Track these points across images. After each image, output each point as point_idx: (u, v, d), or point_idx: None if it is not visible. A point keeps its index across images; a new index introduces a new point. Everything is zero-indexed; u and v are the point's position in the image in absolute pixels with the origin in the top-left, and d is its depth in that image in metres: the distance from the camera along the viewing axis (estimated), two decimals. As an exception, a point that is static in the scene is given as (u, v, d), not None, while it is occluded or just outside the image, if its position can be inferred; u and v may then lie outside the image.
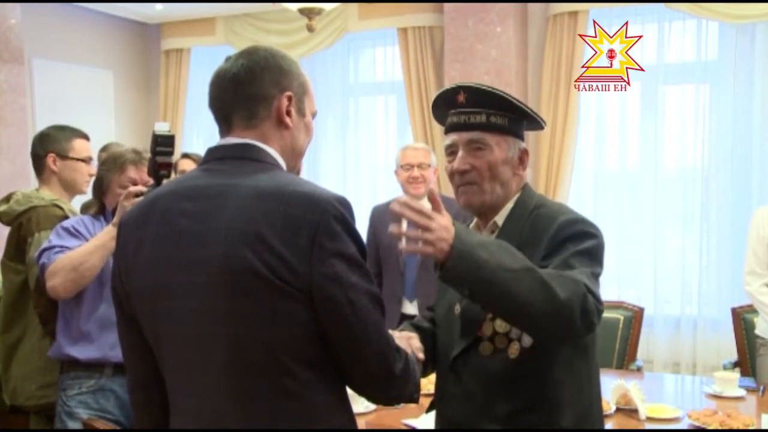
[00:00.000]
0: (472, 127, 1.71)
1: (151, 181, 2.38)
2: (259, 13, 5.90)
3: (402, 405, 2.43)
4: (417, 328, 1.87)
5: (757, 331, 3.36)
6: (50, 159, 2.82)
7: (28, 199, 2.72)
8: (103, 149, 4.59)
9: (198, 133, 6.29)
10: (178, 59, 6.21)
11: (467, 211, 1.82)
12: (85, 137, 2.92)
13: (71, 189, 2.87)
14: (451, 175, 1.76)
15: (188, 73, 6.18)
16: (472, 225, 1.84)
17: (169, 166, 2.39)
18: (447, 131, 1.78)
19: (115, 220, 2.41)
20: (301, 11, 4.07)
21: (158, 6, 5.88)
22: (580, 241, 1.61)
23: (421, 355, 1.69)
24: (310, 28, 4.15)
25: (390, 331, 1.57)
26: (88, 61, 5.92)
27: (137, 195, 2.33)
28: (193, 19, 6.10)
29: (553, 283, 1.46)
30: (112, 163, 2.52)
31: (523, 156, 1.76)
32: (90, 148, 2.92)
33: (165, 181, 2.35)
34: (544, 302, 1.45)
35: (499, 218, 1.75)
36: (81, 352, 2.45)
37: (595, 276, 1.60)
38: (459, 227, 1.49)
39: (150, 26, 6.41)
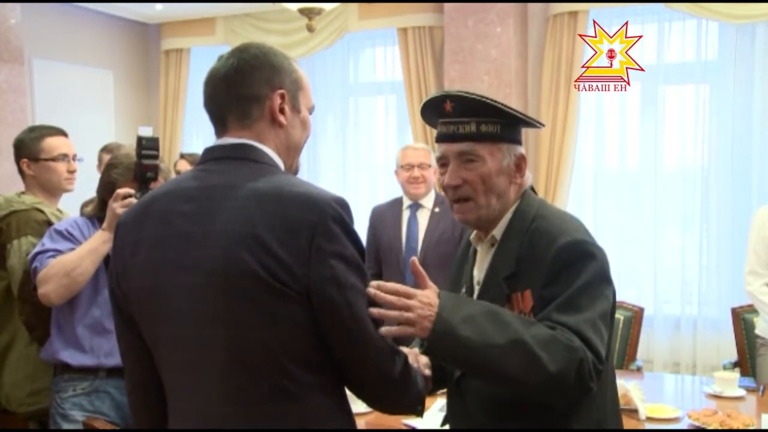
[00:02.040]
0: (462, 137, 1.62)
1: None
2: (259, 13, 5.90)
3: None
4: None
5: (757, 331, 3.36)
6: (23, 164, 2.78)
7: (9, 204, 2.68)
8: (104, 149, 4.59)
9: (198, 133, 6.29)
10: (178, 59, 6.21)
11: (466, 225, 1.76)
12: (59, 133, 2.84)
13: (52, 190, 2.80)
14: (445, 189, 1.69)
15: (188, 73, 6.19)
16: (472, 236, 1.77)
17: (156, 168, 2.39)
18: (437, 140, 1.70)
19: (106, 224, 2.38)
20: (301, 11, 4.07)
21: (158, 6, 5.88)
22: (581, 268, 1.52)
23: (427, 372, 1.65)
24: (310, 28, 4.15)
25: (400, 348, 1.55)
26: (88, 61, 5.92)
27: (125, 197, 2.33)
28: (193, 19, 6.10)
29: (544, 355, 1.40)
30: (125, 168, 2.47)
31: (520, 162, 1.66)
32: (65, 144, 2.83)
33: (152, 184, 2.37)
34: (534, 377, 1.41)
35: (497, 231, 1.67)
36: (74, 358, 2.43)
37: (603, 316, 1.52)
38: (445, 301, 1.44)
39: (150, 26, 6.41)
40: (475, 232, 1.75)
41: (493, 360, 1.41)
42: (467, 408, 1.67)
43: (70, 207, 2.91)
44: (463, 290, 1.76)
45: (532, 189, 1.75)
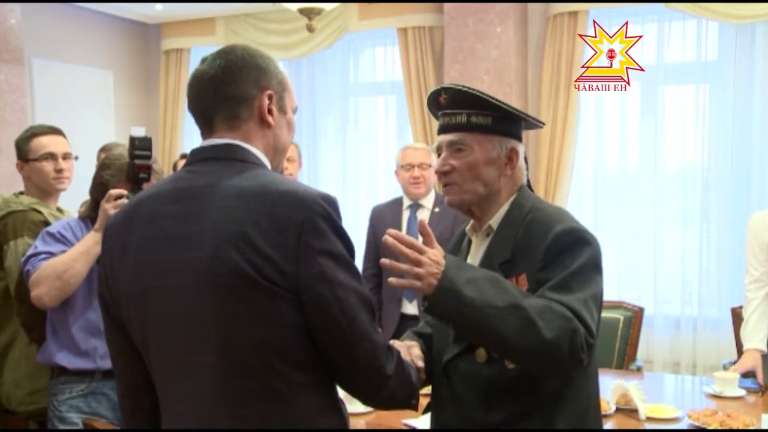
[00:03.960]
0: (454, 128, 1.71)
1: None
2: (259, 13, 5.90)
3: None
4: (419, 336, 1.86)
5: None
6: (18, 166, 2.78)
7: (7, 204, 2.67)
8: (103, 149, 4.58)
9: (198, 134, 6.24)
10: (178, 59, 6.21)
11: (455, 211, 1.82)
12: (49, 132, 2.79)
13: (45, 190, 2.77)
14: (438, 175, 1.77)
15: (188, 73, 6.15)
16: (468, 227, 1.82)
17: (148, 169, 2.39)
18: (437, 132, 1.79)
19: (98, 225, 2.38)
20: (301, 11, 4.07)
21: (158, 6, 5.88)
22: (576, 253, 1.58)
23: (420, 363, 1.68)
24: (310, 28, 4.15)
25: (392, 342, 1.55)
26: (88, 61, 5.92)
27: (117, 198, 2.33)
28: (193, 19, 6.10)
29: (540, 322, 1.45)
30: (117, 170, 2.46)
31: (511, 155, 1.72)
32: (53, 143, 2.77)
33: (145, 185, 2.36)
34: (529, 341, 1.46)
35: (494, 221, 1.72)
36: (71, 361, 2.42)
37: (594, 298, 1.58)
38: (450, 262, 1.50)
39: (150, 26, 6.41)
40: (471, 223, 1.81)
41: (492, 321, 1.46)
42: (454, 392, 1.69)
43: (73, 207, 2.90)
44: None
45: (530, 187, 1.81)
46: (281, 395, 1.32)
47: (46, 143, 2.76)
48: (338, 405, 1.44)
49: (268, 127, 1.45)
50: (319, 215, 1.31)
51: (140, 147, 2.38)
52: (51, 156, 2.76)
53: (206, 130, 1.45)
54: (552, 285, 1.55)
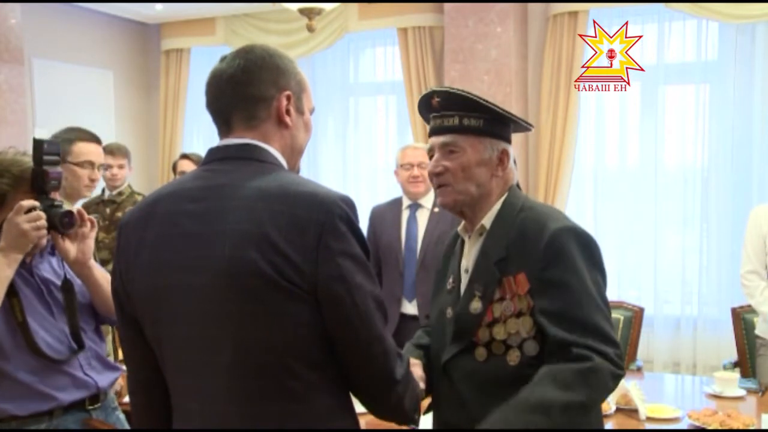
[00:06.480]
0: (446, 130, 1.73)
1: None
2: (259, 13, 5.90)
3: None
4: (419, 347, 1.88)
5: (757, 332, 3.36)
6: None
7: None
8: (103, 149, 4.58)
9: (198, 134, 6.30)
10: (178, 59, 6.21)
11: (447, 211, 1.83)
12: (92, 140, 2.82)
13: (71, 193, 2.76)
14: (430, 177, 1.79)
15: (188, 73, 6.19)
16: (460, 228, 1.84)
17: (59, 176, 2.07)
18: (429, 134, 1.80)
19: (4, 243, 1.97)
20: (301, 11, 4.07)
21: (158, 6, 5.89)
22: (575, 252, 1.61)
23: (422, 385, 1.70)
24: (310, 28, 4.15)
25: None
26: (88, 61, 5.92)
27: (30, 210, 1.98)
28: (193, 19, 6.10)
29: (570, 395, 1.50)
30: (16, 178, 2.05)
31: (502, 157, 1.74)
32: (95, 152, 2.82)
33: (54, 194, 2.08)
34: (575, 414, 1.53)
35: (487, 221, 1.75)
36: (23, 408, 2.03)
37: (604, 301, 1.62)
38: None
39: (150, 26, 6.42)
40: (463, 223, 1.82)
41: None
42: (455, 391, 1.71)
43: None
44: (450, 280, 1.81)
45: (518, 186, 1.83)
46: (296, 395, 1.33)
47: (89, 150, 2.80)
48: (351, 406, 1.45)
49: (285, 127, 1.45)
50: (338, 217, 1.31)
51: (49, 152, 2.05)
52: (90, 164, 2.79)
53: (224, 129, 1.45)
54: (563, 308, 1.58)
